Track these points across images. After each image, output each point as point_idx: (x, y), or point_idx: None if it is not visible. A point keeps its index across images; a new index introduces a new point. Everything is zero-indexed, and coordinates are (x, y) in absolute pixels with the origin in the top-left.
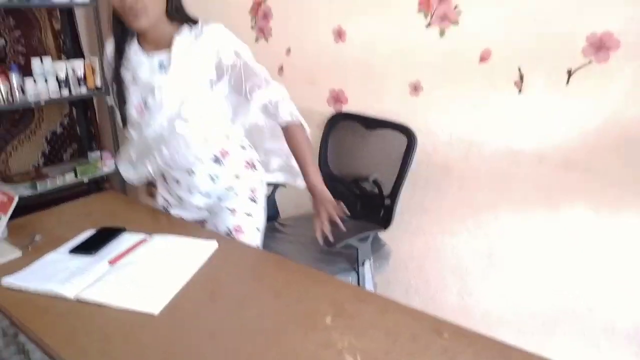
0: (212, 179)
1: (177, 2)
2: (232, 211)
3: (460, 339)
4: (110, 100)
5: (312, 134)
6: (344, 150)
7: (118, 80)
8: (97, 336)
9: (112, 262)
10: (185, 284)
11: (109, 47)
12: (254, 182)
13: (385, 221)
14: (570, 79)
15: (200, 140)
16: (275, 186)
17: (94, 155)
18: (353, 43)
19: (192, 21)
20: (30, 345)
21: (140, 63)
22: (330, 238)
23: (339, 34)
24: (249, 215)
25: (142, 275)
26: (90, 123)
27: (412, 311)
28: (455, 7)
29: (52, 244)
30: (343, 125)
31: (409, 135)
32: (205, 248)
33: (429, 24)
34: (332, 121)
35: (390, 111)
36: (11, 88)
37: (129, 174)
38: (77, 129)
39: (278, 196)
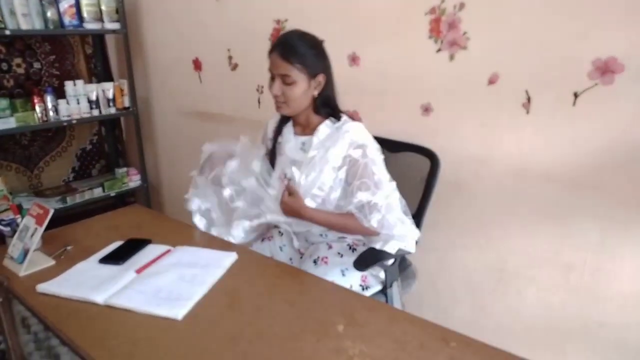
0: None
1: (325, 100)
2: (329, 246)
3: (467, 348)
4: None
5: None
6: None
7: (273, 151)
8: (124, 339)
9: (138, 271)
10: (206, 292)
11: (272, 122)
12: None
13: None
14: (577, 101)
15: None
16: None
17: (120, 171)
18: (367, 67)
19: (338, 116)
20: (61, 348)
21: (289, 140)
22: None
23: (353, 59)
24: (340, 255)
25: (166, 283)
26: (117, 141)
27: (420, 321)
28: (464, 34)
29: (82, 254)
30: None
31: (432, 158)
32: (226, 259)
33: (439, 49)
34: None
35: (402, 131)
36: (46, 109)
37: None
38: (105, 146)
39: None
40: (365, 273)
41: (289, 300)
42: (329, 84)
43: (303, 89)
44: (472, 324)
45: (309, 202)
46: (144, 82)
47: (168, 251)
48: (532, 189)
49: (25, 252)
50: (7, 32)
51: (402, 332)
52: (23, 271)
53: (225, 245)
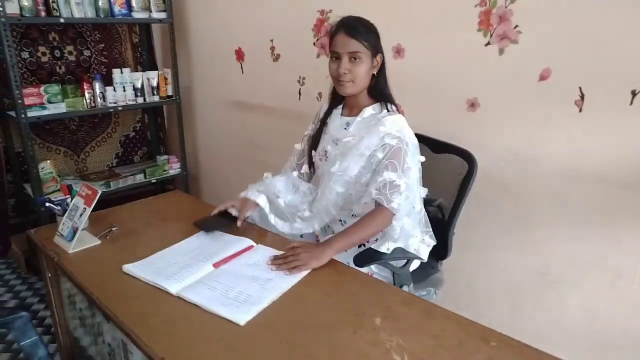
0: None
1: (381, 86)
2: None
3: (507, 348)
4: (299, 144)
5: None
6: None
7: (320, 129)
8: (187, 332)
9: (216, 265)
10: (275, 299)
11: (325, 106)
12: None
13: (440, 250)
14: (634, 100)
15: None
16: None
17: (161, 158)
18: (412, 60)
19: (387, 103)
20: (105, 324)
21: (335, 120)
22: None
23: (398, 51)
24: None
25: (241, 283)
26: (159, 128)
27: (458, 318)
28: (516, 27)
29: (126, 235)
30: None
31: (470, 162)
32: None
33: (487, 43)
34: None
35: (446, 126)
36: (94, 95)
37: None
38: (148, 133)
39: None
40: (372, 269)
41: (326, 290)
42: (383, 66)
43: (368, 66)
44: (509, 327)
45: (338, 188)
46: (187, 71)
47: (251, 247)
48: (581, 190)
49: (74, 231)
50: (61, 20)
51: (441, 328)
52: (72, 249)
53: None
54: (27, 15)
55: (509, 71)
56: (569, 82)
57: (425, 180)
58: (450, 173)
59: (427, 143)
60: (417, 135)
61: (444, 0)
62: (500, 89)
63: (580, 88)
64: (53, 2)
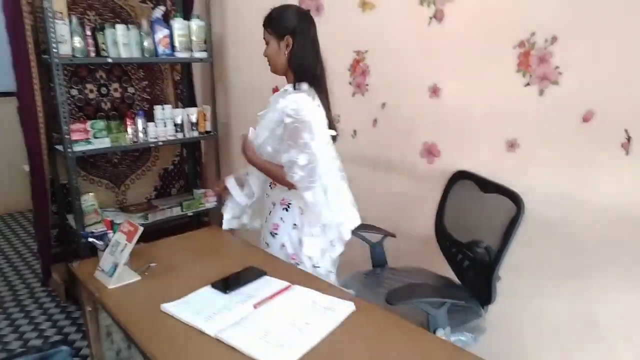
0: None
1: (294, 65)
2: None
3: None
4: None
5: (403, 184)
6: (460, 210)
7: None
8: None
9: (256, 305)
10: (314, 345)
11: None
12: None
13: (483, 294)
14: None
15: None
16: (384, 235)
17: (198, 192)
18: (448, 99)
19: (300, 82)
20: None
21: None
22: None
23: (434, 91)
24: (282, 219)
25: (280, 326)
26: (197, 163)
27: None
28: (556, 68)
29: (164, 272)
30: (462, 184)
31: (518, 203)
32: (342, 309)
33: (527, 84)
34: (453, 178)
35: (485, 166)
36: (136, 130)
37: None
38: (186, 167)
39: (388, 245)
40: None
41: (366, 337)
42: (299, 47)
43: (274, 48)
44: None
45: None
46: (224, 107)
47: (288, 287)
48: (634, 236)
49: (115, 266)
50: (109, 60)
51: None
52: (112, 284)
53: (341, 293)
54: (78, 56)
55: (549, 112)
56: (614, 124)
57: (472, 220)
58: (496, 214)
59: (476, 181)
60: (465, 173)
61: (481, 41)
62: (541, 130)
63: (626, 130)
64: (102, 43)
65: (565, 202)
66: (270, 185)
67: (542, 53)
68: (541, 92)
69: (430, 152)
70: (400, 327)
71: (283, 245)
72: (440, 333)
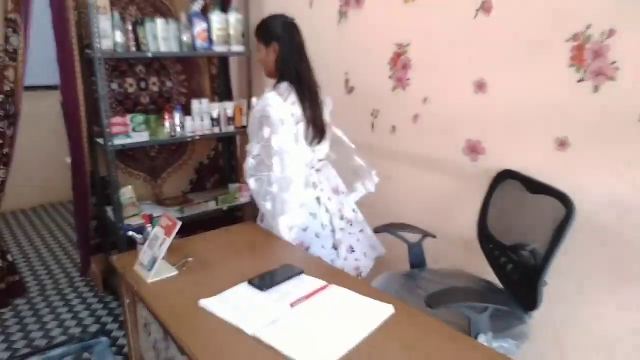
0: None
1: (281, 69)
2: None
3: None
4: None
5: (444, 183)
6: (505, 211)
7: None
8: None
9: (293, 304)
10: (353, 347)
11: None
12: None
13: (528, 300)
14: None
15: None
16: (424, 235)
17: (234, 186)
18: (495, 95)
19: (279, 84)
20: (180, 358)
21: None
22: None
23: (480, 86)
24: None
25: (317, 327)
26: (232, 157)
27: None
28: (613, 63)
29: (201, 267)
30: (508, 184)
31: (568, 206)
32: (381, 312)
33: (581, 80)
34: (498, 178)
35: (533, 165)
36: (174, 124)
37: None
38: (221, 161)
39: (428, 246)
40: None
41: (404, 342)
42: (285, 52)
43: (263, 54)
44: None
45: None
46: None
47: (325, 287)
48: None
49: (154, 261)
50: (149, 55)
51: None
52: (151, 278)
53: (380, 295)
54: (119, 51)
55: (605, 110)
56: None
57: (517, 222)
58: (544, 216)
59: (523, 181)
60: (512, 172)
61: (531, 34)
62: (595, 129)
63: None
64: (143, 37)
65: (618, 206)
66: None
67: (598, 47)
68: (596, 89)
69: (474, 149)
70: (441, 333)
71: None
72: (482, 339)
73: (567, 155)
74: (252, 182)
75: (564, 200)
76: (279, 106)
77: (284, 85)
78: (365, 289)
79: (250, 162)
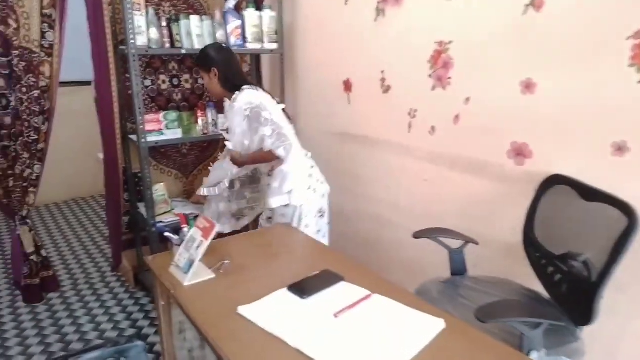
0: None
1: (227, 85)
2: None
3: None
4: None
5: (487, 186)
6: (554, 219)
7: None
8: None
9: (336, 315)
10: None
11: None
12: None
13: (581, 314)
14: None
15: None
16: (465, 242)
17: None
18: (544, 95)
19: (237, 91)
20: None
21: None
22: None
23: (527, 86)
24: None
25: (363, 341)
26: None
27: None
28: None
29: (238, 270)
30: (557, 190)
31: (631, 216)
32: (431, 326)
33: None
34: (547, 183)
35: (586, 171)
36: (207, 122)
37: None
38: None
39: (470, 252)
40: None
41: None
42: (224, 72)
43: (207, 79)
44: None
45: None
46: (293, 99)
47: (368, 296)
48: None
49: (191, 263)
50: (183, 51)
51: None
52: (188, 281)
53: (427, 307)
54: (153, 47)
55: None
56: None
57: (567, 230)
58: (599, 225)
59: (576, 188)
60: (562, 177)
61: (586, 31)
62: None
63: None
64: (177, 34)
65: None
66: (268, 174)
67: None
68: None
69: (520, 152)
70: (494, 350)
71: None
72: (534, 356)
73: (625, 160)
74: (280, 151)
75: (626, 209)
76: (260, 95)
77: (246, 87)
78: (410, 298)
79: (269, 142)
